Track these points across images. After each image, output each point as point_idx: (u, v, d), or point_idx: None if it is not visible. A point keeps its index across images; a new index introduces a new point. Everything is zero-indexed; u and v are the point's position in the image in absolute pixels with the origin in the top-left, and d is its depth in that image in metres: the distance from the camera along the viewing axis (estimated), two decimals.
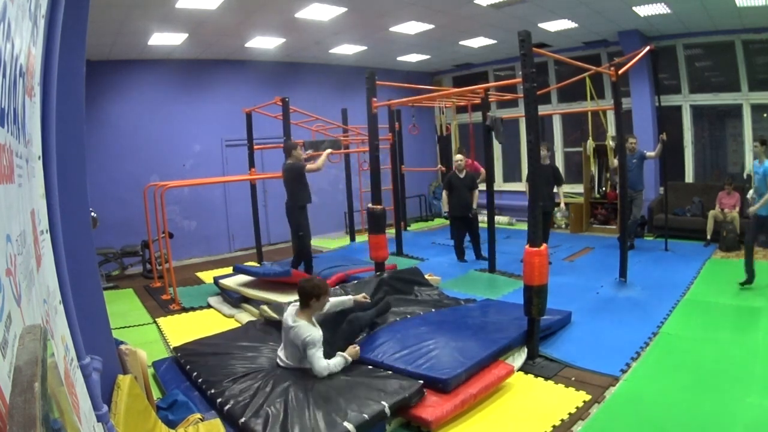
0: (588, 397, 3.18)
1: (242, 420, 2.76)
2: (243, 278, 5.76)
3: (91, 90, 6.30)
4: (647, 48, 6.13)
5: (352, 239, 8.89)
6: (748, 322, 4.25)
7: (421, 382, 3.05)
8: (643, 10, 6.70)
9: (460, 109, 9.10)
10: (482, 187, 6.69)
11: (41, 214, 1.34)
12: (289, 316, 3.42)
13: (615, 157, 6.52)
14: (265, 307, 4.55)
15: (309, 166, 5.80)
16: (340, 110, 8.73)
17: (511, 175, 10.75)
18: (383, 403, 2.82)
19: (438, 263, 6.77)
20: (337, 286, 5.19)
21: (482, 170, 7.23)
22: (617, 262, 5.59)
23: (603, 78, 8.36)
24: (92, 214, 3.16)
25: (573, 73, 6.99)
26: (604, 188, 8.78)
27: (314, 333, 3.29)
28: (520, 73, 3.77)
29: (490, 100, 7.08)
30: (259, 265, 7.04)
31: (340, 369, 3.29)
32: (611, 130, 8.40)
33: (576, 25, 7.47)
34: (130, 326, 5.04)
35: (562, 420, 2.94)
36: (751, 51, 7.50)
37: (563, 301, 4.68)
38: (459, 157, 6.80)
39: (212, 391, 3.15)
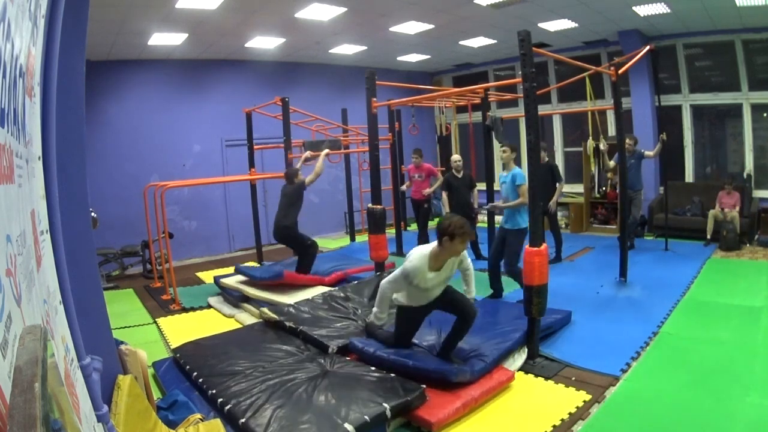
0: (588, 397, 3.18)
1: (242, 420, 2.76)
2: (244, 277, 5.76)
3: (91, 90, 6.30)
4: (647, 48, 6.12)
5: (352, 239, 8.89)
6: (748, 322, 4.24)
7: (424, 386, 3.04)
8: (643, 10, 6.70)
9: (460, 109, 9.09)
10: (480, 187, 6.70)
11: (41, 215, 1.34)
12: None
13: (611, 159, 6.52)
14: (265, 309, 4.56)
15: (308, 178, 5.67)
16: (340, 110, 8.73)
17: None
18: (384, 405, 2.81)
19: None
20: (336, 287, 5.21)
21: (438, 173, 7.28)
22: (617, 261, 5.59)
23: (603, 78, 8.36)
24: (92, 214, 3.16)
25: (573, 73, 6.98)
26: (604, 188, 8.78)
27: (415, 265, 3.08)
28: (520, 72, 3.77)
29: (490, 100, 7.09)
30: (259, 265, 7.04)
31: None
32: (611, 131, 8.42)
33: (576, 24, 7.46)
34: (130, 326, 5.04)
35: (562, 420, 2.94)
36: (751, 51, 7.50)
37: (563, 301, 4.68)
38: (456, 157, 6.81)
39: (213, 391, 3.14)
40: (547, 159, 6.57)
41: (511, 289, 5.47)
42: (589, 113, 7.04)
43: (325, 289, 5.22)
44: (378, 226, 5.41)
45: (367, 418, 2.70)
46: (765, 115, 7.74)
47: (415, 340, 3.67)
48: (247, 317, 5.02)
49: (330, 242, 9.09)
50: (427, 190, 7.22)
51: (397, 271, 3.14)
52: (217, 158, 8.63)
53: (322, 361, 3.51)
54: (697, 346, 3.87)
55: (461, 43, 8.57)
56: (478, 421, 3.02)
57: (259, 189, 8.34)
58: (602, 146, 6.60)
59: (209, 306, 5.63)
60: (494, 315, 4.38)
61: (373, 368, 3.34)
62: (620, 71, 5.48)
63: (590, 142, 7.34)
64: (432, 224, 7.50)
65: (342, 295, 4.86)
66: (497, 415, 3.08)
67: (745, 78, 7.58)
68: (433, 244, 3.23)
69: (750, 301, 4.72)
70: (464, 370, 3.15)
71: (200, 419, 2.83)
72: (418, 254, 3.19)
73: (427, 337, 3.76)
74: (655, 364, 3.62)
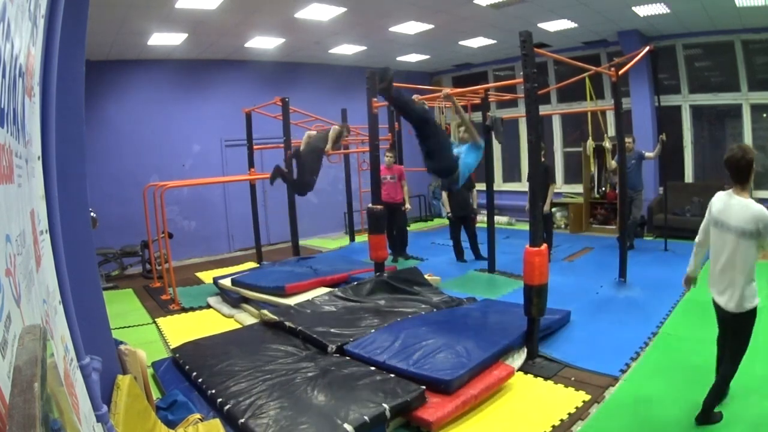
0: (588, 397, 3.18)
1: (242, 420, 2.76)
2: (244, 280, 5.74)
3: (91, 90, 6.31)
4: (647, 48, 6.12)
5: (352, 239, 8.89)
6: None
7: (424, 387, 3.03)
8: (642, 10, 6.70)
9: None
10: (480, 187, 6.69)
11: (41, 215, 1.34)
12: (721, 200, 2.96)
13: (613, 159, 6.52)
14: (266, 312, 4.56)
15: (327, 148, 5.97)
16: (339, 110, 8.72)
17: (510, 175, 10.75)
18: (384, 405, 2.81)
19: (437, 263, 6.77)
20: (337, 288, 5.20)
21: (404, 178, 7.26)
22: (617, 262, 5.59)
23: (603, 78, 8.36)
24: (92, 214, 3.16)
25: (573, 73, 6.98)
26: (603, 188, 8.78)
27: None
28: (521, 73, 3.77)
29: (489, 100, 7.09)
30: (258, 265, 7.04)
31: None
32: (611, 131, 8.42)
33: (576, 25, 7.47)
34: (129, 326, 5.04)
35: (561, 420, 2.94)
36: (751, 51, 7.50)
37: (563, 301, 4.68)
38: None
39: (212, 391, 3.15)
40: (543, 159, 6.59)
41: (510, 289, 5.47)
42: (589, 113, 7.04)
43: (326, 289, 5.22)
44: (378, 226, 5.41)
45: (366, 418, 2.70)
46: (765, 115, 7.74)
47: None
48: (246, 317, 5.02)
49: (330, 242, 9.09)
50: (407, 206, 7.15)
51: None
52: (216, 158, 8.63)
53: (322, 361, 3.51)
54: (697, 346, 3.86)
55: (461, 43, 8.57)
56: (477, 421, 3.02)
57: (259, 189, 8.33)
58: (607, 145, 6.60)
59: (209, 306, 5.63)
60: (494, 315, 4.38)
61: (372, 368, 3.33)
62: (620, 72, 5.48)
63: (590, 143, 7.34)
64: (433, 224, 7.52)
65: (342, 295, 4.86)
66: (497, 415, 3.08)
67: (744, 78, 7.58)
68: (744, 197, 2.81)
69: None
70: (461, 375, 3.12)
71: (199, 419, 2.83)
72: (750, 204, 2.75)
73: (425, 342, 3.75)
74: (654, 364, 3.62)
